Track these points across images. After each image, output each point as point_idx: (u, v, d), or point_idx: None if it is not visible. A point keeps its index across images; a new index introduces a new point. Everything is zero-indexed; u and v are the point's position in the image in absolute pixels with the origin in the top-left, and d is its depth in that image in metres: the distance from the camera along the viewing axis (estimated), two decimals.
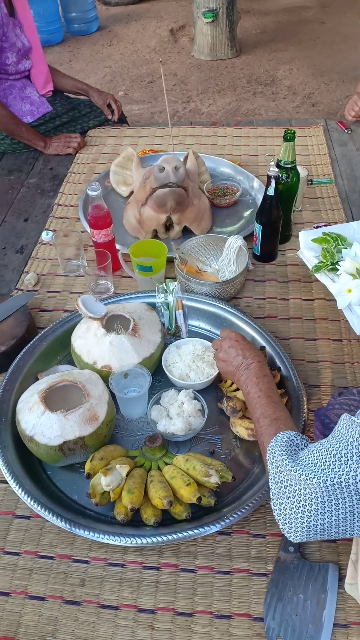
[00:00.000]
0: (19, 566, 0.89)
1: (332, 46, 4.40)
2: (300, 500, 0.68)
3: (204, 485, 0.91)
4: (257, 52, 4.42)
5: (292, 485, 0.70)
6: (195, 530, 0.86)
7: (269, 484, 0.76)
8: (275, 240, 1.42)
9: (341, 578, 0.85)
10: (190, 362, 1.12)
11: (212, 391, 1.11)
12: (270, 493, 0.75)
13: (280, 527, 0.73)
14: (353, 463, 0.63)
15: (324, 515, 0.67)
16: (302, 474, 0.68)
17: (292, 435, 0.78)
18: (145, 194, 1.46)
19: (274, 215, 1.35)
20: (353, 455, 0.63)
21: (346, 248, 1.19)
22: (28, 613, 0.84)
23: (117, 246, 1.42)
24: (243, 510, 0.88)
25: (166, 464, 0.96)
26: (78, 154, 1.92)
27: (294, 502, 0.69)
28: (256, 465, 0.99)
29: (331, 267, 1.16)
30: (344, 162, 1.84)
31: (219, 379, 1.11)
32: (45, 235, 1.55)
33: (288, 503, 0.70)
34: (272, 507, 0.74)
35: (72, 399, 1.01)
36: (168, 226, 1.50)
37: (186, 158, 1.64)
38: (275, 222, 1.36)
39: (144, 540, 0.85)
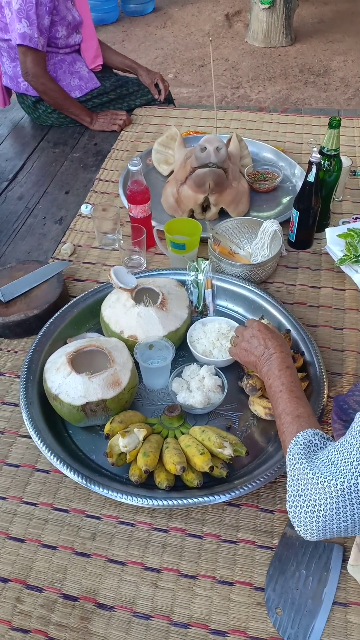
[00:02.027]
0: (35, 516, 0.94)
1: None
2: (316, 505, 0.68)
3: (217, 457, 0.93)
4: (313, 42, 4.34)
5: (308, 489, 0.69)
6: (205, 498, 0.88)
7: (287, 485, 0.75)
8: (311, 228, 1.42)
9: (345, 559, 0.86)
10: (215, 339, 1.13)
11: (234, 370, 1.13)
12: (287, 494, 0.75)
13: (295, 528, 0.73)
14: None
15: (339, 518, 0.67)
16: (321, 477, 0.67)
17: (310, 435, 0.76)
18: (185, 173, 1.47)
19: (313, 202, 1.34)
20: None
21: None
22: (40, 560, 0.88)
23: (153, 223, 1.44)
24: (253, 484, 0.90)
25: (182, 433, 0.99)
26: (123, 132, 1.95)
27: (310, 505, 0.69)
28: (270, 444, 1.01)
29: (355, 259, 1.18)
30: None
31: None
32: (85, 208, 1.59)
33: (304, 506, 0.70)
34: (288, 508, 0.74)
35: (98, 363, 1.04)
36: (205, 207, 1.51)
37: (229, 140, 1.64)
38: (313, 209, 1.36)
39: (155, 502, 0.88)
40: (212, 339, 1.14)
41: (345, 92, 3.73)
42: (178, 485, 0.93)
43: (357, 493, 0.64)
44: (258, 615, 0.82)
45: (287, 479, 0.75)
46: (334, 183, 1.42)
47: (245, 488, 0.90)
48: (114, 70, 2.12)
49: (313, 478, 0.68)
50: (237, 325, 1.16)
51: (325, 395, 1.05)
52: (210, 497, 0.88)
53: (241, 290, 1.25)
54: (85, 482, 0.91)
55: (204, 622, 0.81)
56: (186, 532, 0.90)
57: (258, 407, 1.03)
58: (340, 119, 1.32)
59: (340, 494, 0.65)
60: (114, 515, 0.93)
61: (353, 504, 0.65)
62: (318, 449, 0.75)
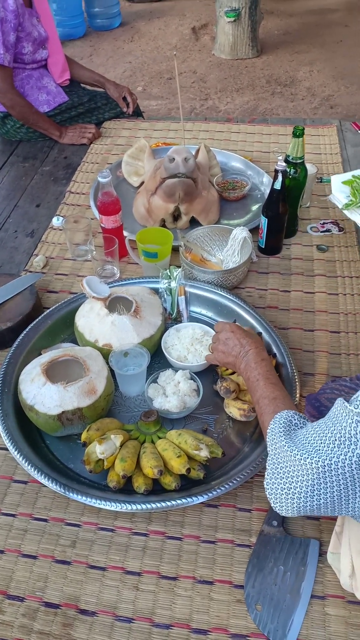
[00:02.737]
0: (14, 526, 0.94)
1: (355, 49, 4.40)
2: (293, 481, 0.70)
3: (194, 459, 0.95)
4: (279, 53, 4.44)
5: (287, 465, 0.72)
6: (183, 500, 0.90)
7: (267, 463, 0.77)
8: (280, 234, 1.46)
9: (322, 554, 0.88)
10: (189, 345, 1.15)
11: (209, 374, 1.15)
12: (266, 472, 0.77)
13: (272, 504, 0.75)
14: (345, 447, 0.65)
15: (313, 496, 0.69)
16: (298, 454, 0.70)
17: (290, 415, 0.80)
18: (155, 184, 1.50)
19: (280, 209, 1.38)
20: (345, 440, 0.65)
21: None
22: (20, 569, 0.89)
23: (125, 233, 1.46)
24: (230, 484, 0.92)
25: (159, 438, 1.00)
26: (92, 144, 1.97)
27: (287, 481, 0.71)
28: (246, 445, 1.03)
29: (357, 205, 1.22)
30: (355, 162, 1.86)
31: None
32: (56, 221, 1.60)
33: (281, 483, 0.72)
34: (265, 485, 0.76)
35: (73, 373, 1.05)
36: (176, 216, 1.54)
37: (198, 151, 1.67)
38: (280, 216, 1.40)
39: (134, 507, 0.89)
40: (186, 344, 1.16)
41: (312, 102, 3.82)
42: (156, 489, 0.94)
43: (332, 473, 0.66)
44: (238, 612, 0.83)
45: (268, 457, 0.77)
46: (300, 190, 1.46)
47: (223, 488, 0.91)
48: (82, 85, 2.15)
49: (291, 455, 0.71)
50: (210, 330, 1.19)
51: (298, 395, 1.07)
52: (188, 499, 0.90)
53: (213, 296, 1.28)
54: (63, 491, 0.92)
55: (185, 622, 0.82)
56: (166, 535, 0.92)
57: (233, 409, 1.05)
58: (304, 128, 1.36)
59: (316, 472, 0.68)
60: (93, 522, 0.94)
61: (327, 482, 0.67)
62: (298, 428, 0.78)
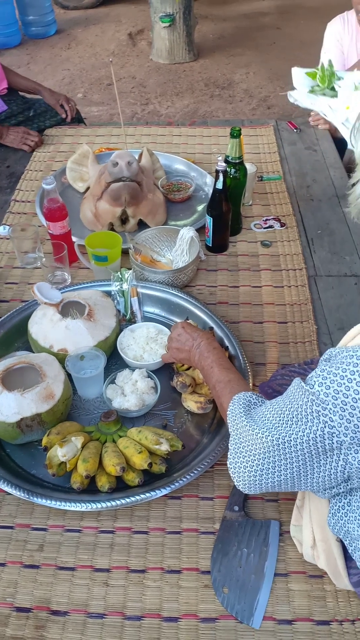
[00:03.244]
0: None
1: (288, 51, 4.56)
2: (254, 458, 0.73)
3: (155, 454, 0.97)
4: (215, 56, 4.54)
5: (248, 442, 0.75)
6: (147, 494, 0.92)
7: (229, 443, 0.79)
8: (226, 232, 1.50)
9: (282, 533, 0.93)
10: (144, 344, 1.18)
11: (165, 371, 1.18)
12: (229, 452, 0.78)
13: (235, 483, 0.78)
14: (302, 424, 0.68)
15: (274, 472, 0.72)
16: (257, 430, 0.73)
17: (248, 396, 0.83)
18: (100, 189, 1.52)
19: (224, 208, 1.42)
20: (302, 417, 0.68)
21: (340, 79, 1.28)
22: None
23: (74, 238, 1.47)
24: (192, 474, 0.95)
25: (120, 437, 1.02)
26: (35, 152, 1.96)
27: (248, 458, 0.74)
28: (205, 436, 1.06)
29: (322, 90, 1.23)
30: (293, 160, 1.94)
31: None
32: (2, 230, 1.59)
33: (243, 461, 0.75)
34: (228, 464, 0.78)
35: (30, 380, 1.05)
36: (124, 219, 1.56)
37: (141, 155, 1.70)
38: (224, 214, 1.44)
39: (99, 505, 0.91)
40: (141, 343, 1.18)
41: (250, 103, 3.93)
42: (120, 487, 0.96)
43: (290, 449, 0.70)
44: (207, 597, 0.86)
45: (230, 438, 0.79)
46: (241, 189, 1.51)
47: (185, 479, 0.94)
48: (21, 93, 2.14)
49: (252, 432, 0.74)
50: (165, 328, 1.22)
51: (251, 385, 1.12)
52: (152, 492, 0.92)
53: (165, 295, 1.31)
54: (27, 496, 0.92)
55: (156, 611, 0.85)
56: (132, 530, 0.94)
57: (190, 403, 1.08)
58: (240, 129, 1.41)
59: (275, 448, 0.71)
60: (59, 524, 0.95)
61: (286, 458, 0.71)
62: (256, 407, 0.80)
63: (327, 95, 1.28)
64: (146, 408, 1.08)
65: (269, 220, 1.64)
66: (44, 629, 0.82)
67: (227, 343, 1.19)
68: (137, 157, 1.70)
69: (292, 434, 0.69)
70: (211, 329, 1.17)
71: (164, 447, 0.95)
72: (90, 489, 0.95)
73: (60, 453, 0.92)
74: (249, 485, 0.76)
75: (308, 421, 0.68)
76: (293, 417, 0.70)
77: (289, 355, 1.24)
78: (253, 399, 0.83)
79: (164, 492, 0.93)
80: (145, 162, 1.68)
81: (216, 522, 0.95)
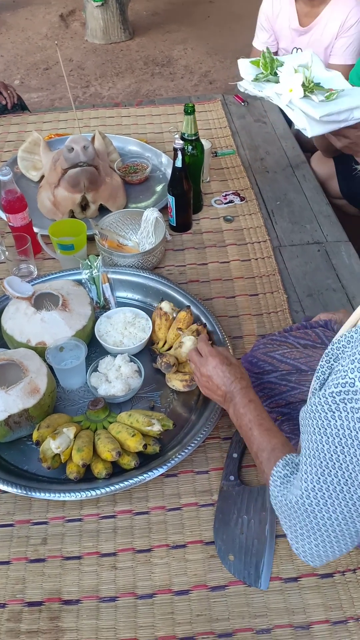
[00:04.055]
0: None
1: (223, 25, 4.53)
2: (314, 529, 0.66)
3: (148, 435, 0.98)
4: (151, 34, 4.46)
5: (298, 517, 0.67)
6: (145, 475, 0.93)
7: (283, 527, 0.72)
8: (189, 210, 1.51)
9: None
10: (123, 329, 1.18)
11: (147, 353, 1.18)
12: (287, 537, 0.72)
13: (312, 565, 0.71)
14: (336, 437, 0.60)
15: (341, 528, 0.65)
16: (300, 497, 0.65)
17: (281, 468, 0.74)
18: (57, 176, 1.49)
19: (185, 186, 1.42)
20: (333, 432, 0.60)
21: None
22: None
23: (35, 229, 1.44)
24: (186, 451, 0.97)
25: (110, 423, 1.02)
26: None
27: (309, 533, 0.67)
28: (193, 413, 1.08)
29: (266, 76, 1.26)
30: (244, 134, 1.95)
31: (151, 342, 1.18)
32: None
33: (306, 540, 0.68)
34: (295, 550, 0.71)
35: (12, 376, 1.03)
36: (84, 206, 1.53)
37: (93, 139, 1.67)
38: (186, 192, 1.44)
39: (98, 492, 0.91)
40: (119, 329, 1.18)
41: (191, 79, 3.90)
42: (116, 471, 0.96)
43: (343, 481, 0.61)
44: (214, 566, 0.89)
45: (281, 522, 0.72)
46: (200, 165, 1.51)
47: (179, 456, 0.96)
48: None
49: (296, 506, 0.66)
50: (140, 312, 1.21)
51: None
52: (149, 473, 0.93)
53: (137, 278, 1.30)
54: (24, 492, 0.92)
55: (167, 587, 0.86)
56: (133, 512, 0.95)
57: (175, 382, 1.09)
58: (194, 105, 1.41)
59: (327, 494, 0.63)
60: (59, 516, 0.94)
61: (345, 498, 0.62)
62: (293, 478, 0.72)
63: (272, 81, 1.30)
64: (132, 392, 1.08)
65: (229, 195, 1.65)
66: (59, 619, 0.83)
67: (204, 320, 1.20)
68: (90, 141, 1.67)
69: (333, 458, 0.60)
70: (188, 307, 1.18)
71: (156, 428, 0.96)
72: (86, 477, 0.95)
73: (53, 445, 0.92)
74: (326, 558, 0.68)
75: (341, 432, 0.59)
76: (323, 442, 0.61)
77: (264, 326, 1.27)
78: (287, 471, 0.73)
79: (161, 471, 0.94)
80: (99, 145, 1.65)
81: (214, 493, 0.97)
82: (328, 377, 0.66)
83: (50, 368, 1.08)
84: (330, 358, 0.67)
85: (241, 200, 1.63)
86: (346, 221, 1.69)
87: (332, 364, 0.66)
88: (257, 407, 0.87)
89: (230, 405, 0.90)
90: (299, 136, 1.99)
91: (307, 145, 1.99)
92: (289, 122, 2.07)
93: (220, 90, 3.70)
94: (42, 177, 1.64)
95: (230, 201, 1.63)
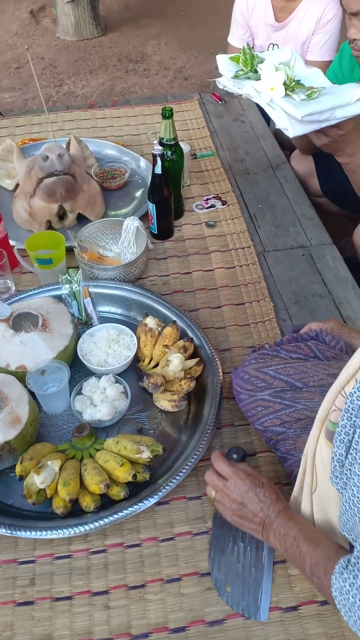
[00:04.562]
0: None
1: (196, 19, 4.46)
2: None
3: (137, 462, 0.93)
4: (124, 30, 4.38)
5: None
6: (135, 506, 0.89)
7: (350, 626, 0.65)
8: (170, 217, 1.46)
9: None
10: (107, 347, 1.13)
11: (132, 372, 1.13)
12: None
13: None
14: None
15: None
16: None
17: (342, 565, 0.66)
18: (32, 185, 1.42)
19: (165, 192, 1.37)
20: None
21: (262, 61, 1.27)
22: None
23: (11, 242, 1.38)
24: (177, 478, 0.92)
25: (97, 450, 0.97)
26: None
27: None
28: (183, 433, 1.04)
29: (247, 73, 1.22)
30: (223, 134, 1.90)
31: (136, 359, 1.14)
32: None
33: None
34: None
35: None
36: (61, 215, 1.48)
37: (68, 144, 1.61)
38: (167, 199, 1.39)
39: (88, 527, 0.87)
40: (103, 347, 1.13)
41: (166, 75, 3.83)
42: (105, 502, 0.92)
43: None
44: (211, 599, 0.85)
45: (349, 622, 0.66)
46: (180, 170, 1.46)
47: (171, 484, 0.92)
48: None
49: None
50: (125, 328, 1.16)
51: (221, 373, 1.10)
52: (140, 504, 0.89)
53: (119, 292, 1.26)
54: (9, 531, 0.87)
55: (162, 625, 0.82)
56: (124, 545, 0.90)
57: (163, 402, 1.05)
58: (172, 109, 1.36)
59: None
60: (47, 553, 0.90)
61: None
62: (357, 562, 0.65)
63: (252, 78, 1.25)
64: (119, 415, 1.03)
65: (210, 199, 1.60)
66: None
67: (190, 334, 1.16)
68: (65, 148, 1.61)
69: None
70: (174, 322, 1.13)
71: (146, 455, 0.92)
72: (74, 510, 0.91)
73: (38, 481, 0.87)
74: None
75: None
76: None
77: (252, 337, 1.23)
78: (345, 560, 0.66)
79: (152, 501, 0.90)
80: (75, 151, 1.59)
81: (207, 520, 0.93)
82: (353, 436, 0.62)
83: (32, 393, 1.03)
84: (352, 415, 0.62)
85: (223, 205, 1.58)
86: (328, 220, 1.66)
87: (354, 421, 0.62)
88: (298, 521, 0.77)
89: (270, 532, 0.79)
90: (277, 134, 1.95)
91: (286, 144, 1.95)
92: (268, 121, 2.03)
93: (196, 87, 3.65)
94: (17, 185, 1.58)
95: (212, 205, 1.58)
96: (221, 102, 2.06)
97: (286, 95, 1.21)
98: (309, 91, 1.23)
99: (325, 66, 1.80)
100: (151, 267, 1.40)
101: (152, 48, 4.13)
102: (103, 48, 4.13)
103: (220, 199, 1.60)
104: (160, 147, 1.32)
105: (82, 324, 1.23)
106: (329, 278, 1.36)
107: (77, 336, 1.15)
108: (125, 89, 3.69)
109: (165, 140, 1.39)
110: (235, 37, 2.11)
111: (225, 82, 1.33)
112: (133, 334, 1.15)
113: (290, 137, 1.20)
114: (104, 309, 1.26)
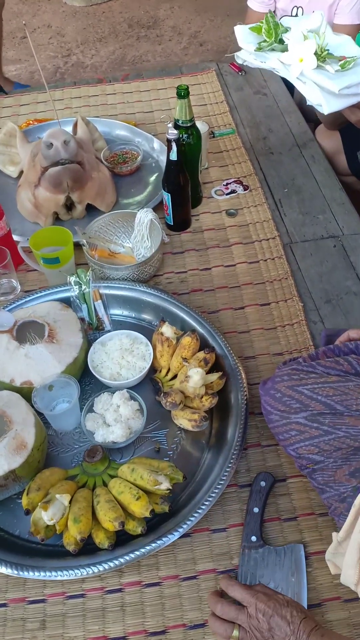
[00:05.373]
0: None
1: None
2: None
3: (154, 493, 0.85)
4: None
5: None
6: (154, 544, 0.80)
7: None
8: (187, 206, 1.34)
9: (307, 557, 0.83)
10: (119, 358, 1.03)
11: (147, 384, 1.04)
12: None
13: None
14: None
15: None
16: None
17: None
18: (36, 174, 1.31)
19: (181, 180, 1.25)
20: None
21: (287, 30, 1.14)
22: None
23: (16, 238, 1.28)
24: (200, 510, 0.84)
25: (110, 476, 0.89)
26: None
27: None
28: (205, 453, 0.95)
29: (271, 45, 1.10)
30: (243, 109, 1.75)
31: (152, 370, 1.04)
32: None
33: None
34: None
35: None
36: (69, 206, 1.37)
37: (75, 126, 1.49)
38: (183, 187, 1.27)
39: (102, 567, 0.79)
40: (116, 358, 1.03)
41: (180, 42, 3.62)
42: (120, 534, 0.84)
43: None
44: None
45: None
46: (198, 154, 1.33)
47: (193, 518, 0.83)
48: None
49: None
50: (139, 335, 1.06)
51: (246, 385, 1.00)
52: (159, 542, 0.81)
53: (133, 293, 1.15)
54: (16, 572, 0.79)
55: None
56: (142, 584, 0.83)
57: (183, 421, 0.96)
58: (187, 87, 1.22)
59: None
60: (59, 592, 0.82)
61: None
62: None
63: (277, 50, 1.11)
64: (134, 435, 0.94)
65: (230, 183, 1.48)
66: None
67: (212, 342, 1.05)
68: (71, 129, 1.49)
69: None
70: (193, 331, 1.03)
71: (165, 486, 0.83)
72: (88, 543, 0.82)
73: (46, 517, 0.79)
74: None
75: None
76: None
77: (279, 342, 1.12)
78: None
79: (173, 538, 0.81)
80: (82, 133, 1.47)
81: (234, 557, 0.84)
82: None
83: (40, 412, 0.94)
84: None
85: (245, 190, 1.45)
86: (357, 201, 1.52)
87: None
88: (332, 636, 0.70)
89: None
90: (302, 106, 1.79)
91: (311, 116, 1.80)
92: (292, 92, 1.87)
93: (212, 54, 3.45)
94: (22, 172, 1.46)
95: (233, 191, 1.45)
96: (241, 73, 1.90)
97: (318, 67, 1.07)
98: (342, 61, 1.09)
99: (355, 30, 1.64)
100: (167, 262, 1.29)
101: (164, 12, 3.91)
102: (113, 13, 3.92)
103: (241, 183, 1.47)
104: (176, 131, 1.19)
105: (94, 329, 1.13)
106: None
107: (87, 345, 1.06)
108: (136, 58, 3.50)
109: (181, 122, 1.26)
110: (256, 0, 1.93)
111: (246, 56, 1.19)
112: (148, 343, 1.05)
113: (325, 113, 1.07)
114: (116, 312, 1.16)
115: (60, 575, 0.79)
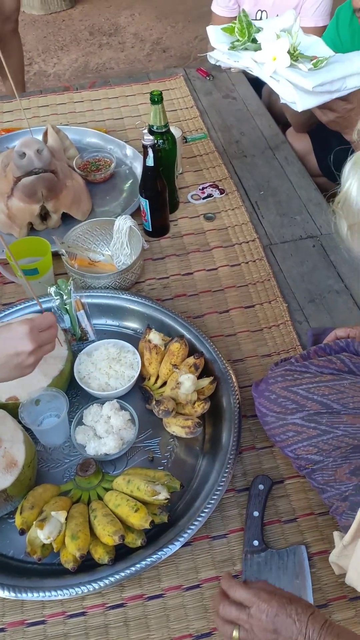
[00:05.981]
0: None
1: None
2: None
3: (152, 503, 0.83)
4: (94, 0, 4.13)
5: None
6: (155, 556, 0.79)
7: None
8: (165, 212, 1.33)
9: (310, 557, 0.83)
10: (107, 368, 1.01)
11: (137, 392, 1.02)
12: None
13: None
14: None
15: None
16: None
17: None
18: (9, 184, 1.28)
19: (159, 186, 1.24)
20: None
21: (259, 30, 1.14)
22: None
23: None
24: (200, 518, 0.82)
25: (105, 489, 0.87)
26: None
27: None
28: (200, 460, 0.93)
29: (244, 44, 1.10)
30: (213, 113, 1.76)
31: (141, 378, 1.03)
32: None
33: None
34: None
35: None
36: (44, 215, 1.34)
37: (45, 134, 1.46)
38: (161, 193, 1.26)
39: (102, 583, 0.77)
40: (104, 368, 1.01)
41: (143, 48, 3.62)
42: (119, 548, 0.81)
43: None
44: None
45: None
46: (174, 159, 1.33)
47: (193, 526, 0.82)
48: None
49: None
50: (126, 343, 1.05)
51: (237, 387, 0.99)
52: (161, 553, 0.79)
53: (116, 301, 1.13)
54: (13, 594, 0.76)
55: None
56: (145, 597, 0.81)
57: (176, 428, 0.94)
58: (161, 93, 1.21)
59: None
60: (59, 612, 0.80)
61: None
62: None
63: (250, 49, 1.12)
64: (127, 446, 0.92)
65: (206, 188, 1.48)
66: None
67: (200, 347, 1.04)
68: (41, 138, 1.46)
69: None
70: (181, 337, 1.02)
71: (163, 496, 0.81)
72: (87, 559, 0.80)
73: (42, 536, 0.76)
74: None
75: None
76: None
77: (266, 344, 1.12)
78: None
79: (174, 548, 0.80)
80: (53, 142, 1.44)
81: (236, 562, 0.83)
82: None
83: (27, 428, 0.92)
84: None
85: (221, 194, 1.45)
86: (331, 202, 1.54)
87: None
88: (342, 630, 0.65)
89: None
90: (271, 108, 1.81)
91: (280, 117, 1.81)
92: (261, 95, 1.89)
93: (176, 60, 3.46)
94: None
95: (209, 195, 1.45)
96: (208, 78, 1.91)
97: (291, 65, 1.08)
98: (314, 60, 1.10)
99: (319, 32, 1.66)
100: (148, 269, 1.27)
101: (125, 19, 3.90)
102: (73, 21, 3.90)
103: (217, 187, 1.47)
104: (151, 137, 1.18)
105: (77, 340, 1.11)
106: (344, 272, 1.25)
107: (72, 357, 1.03)
108: (100, 65, 3.48)
109: (155, 127, 1.25)
110: (220, 5, 1.94)
111: (219, 55, 1.19)
112: (136, 351, 1.03)
113: (299, 110, 1.07)
114: (99, 321, 1.14)
115: (60, 595, 0.76)
